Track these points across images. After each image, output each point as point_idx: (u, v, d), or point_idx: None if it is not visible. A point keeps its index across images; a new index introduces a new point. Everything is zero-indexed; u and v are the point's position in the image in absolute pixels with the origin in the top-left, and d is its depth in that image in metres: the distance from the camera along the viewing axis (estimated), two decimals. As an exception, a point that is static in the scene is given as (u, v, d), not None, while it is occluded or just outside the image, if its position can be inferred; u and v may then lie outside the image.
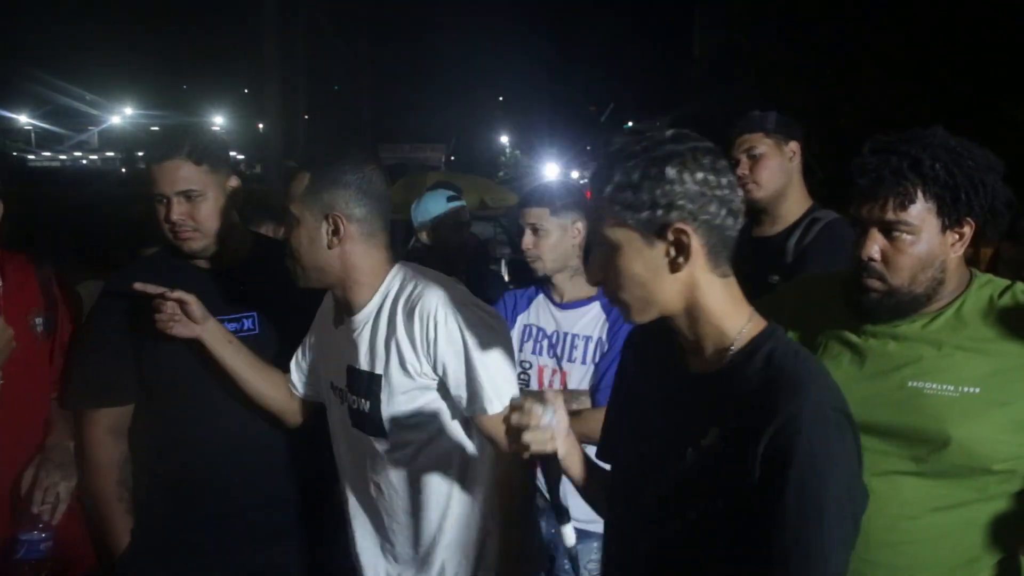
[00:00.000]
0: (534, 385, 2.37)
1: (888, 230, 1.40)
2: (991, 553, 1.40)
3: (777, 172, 2.19)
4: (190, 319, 1.76)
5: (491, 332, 1.64)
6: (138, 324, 1.85)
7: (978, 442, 1.33)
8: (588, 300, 2.29)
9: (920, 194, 1.37)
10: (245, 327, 1.94)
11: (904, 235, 1.38)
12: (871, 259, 1.41)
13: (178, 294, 1.74)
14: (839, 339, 1.51)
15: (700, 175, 1.13)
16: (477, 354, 1.61)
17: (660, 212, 1.12)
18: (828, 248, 2.08)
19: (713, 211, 1.13)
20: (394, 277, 1.71)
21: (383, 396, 1.66)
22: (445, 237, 3.12)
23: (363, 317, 1.69)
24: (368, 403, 1.68)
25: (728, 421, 1.12)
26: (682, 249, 1.14)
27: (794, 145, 2.22)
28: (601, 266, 1.19)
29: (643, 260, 1.15)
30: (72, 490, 1.73)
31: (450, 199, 3.14)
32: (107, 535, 1.90)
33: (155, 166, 1.85)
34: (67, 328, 1.98)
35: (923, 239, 1.38)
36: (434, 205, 3.14)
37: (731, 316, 1.19)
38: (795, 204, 2.24)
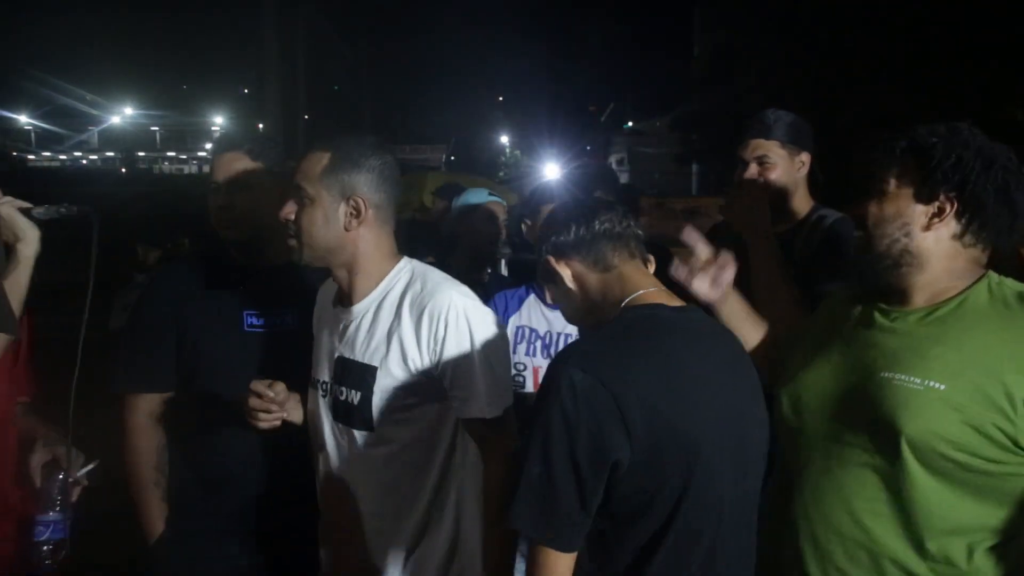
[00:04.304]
0: (530, 387, 2.35)
1: (873, 188, 1.49)
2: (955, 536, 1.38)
3: (784, 180, 2.19)
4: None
5: (497, 338, 1.63)
6: (181, 318, 1.93)
7: (929, 436, 1.33)
8: None
9: (908, 159, 1.44)
10: (286, 322, 1.97)
11: (879, 190, 1.47)
12: (859, 214, 1.50)
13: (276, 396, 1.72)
14: (840, 334, 1.52)
15: None
16: (482, 358, 1.59)
17: None
18: (837, 246, 2.10)
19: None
20: (401, 270, 1.69)
21: (376, 388, 1.63)
22: (476, 227, 3.13)
23: (363, 307, 1.68)
24: (359, 395, 1.65)
25: None
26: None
27: (805, 157, 2.21)
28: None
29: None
30: (80, 456, 1.76)
31: (490, 193, 3.22)
32: (142, 520, 1.95)
33: (216, 157, 1.99)
34: (26, 336, 1.99)
35: (892, 195, 1.45)
36: (474, 196, 3.18)
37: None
38: (800, 205, 2.25)
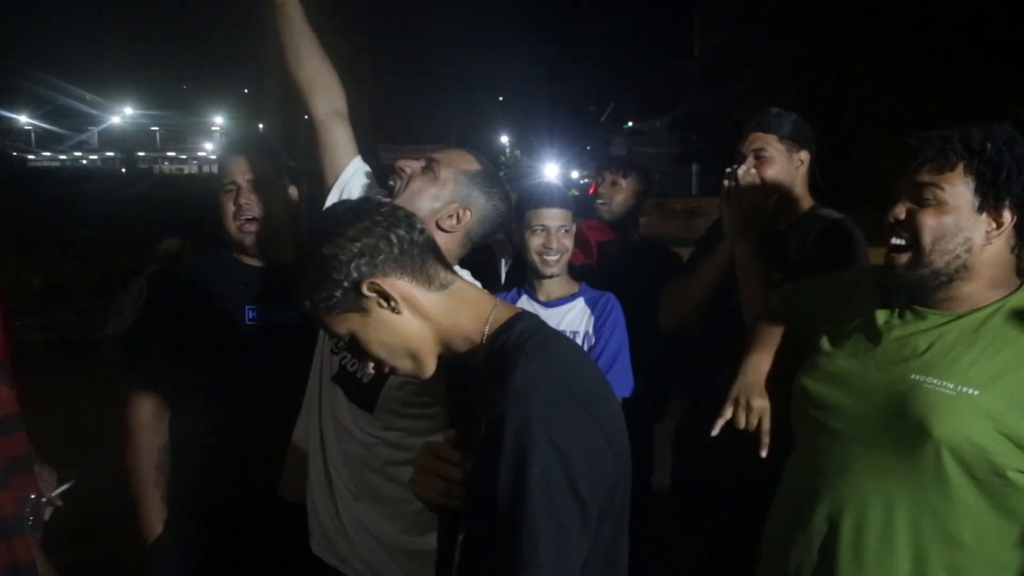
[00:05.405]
0: None
1: (920, 194, 1.39)
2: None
3: (781, 176, 2.18)
4: None
5: None
6: (183, 316, 1.96)
7: (960, 443, 1.30)
8: (572, 297, 2.29)
9: (961, 165, 1.35)
10: (288, 317, 2.01)
11: (933, 199, 1.37)
12: (897, 219, 1.40)
13: None
14: (868, 326, 1.48)
15: None
16: None
17: None
18: (834, 246, 2.09)
19: None
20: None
21: (392, 378, 1.59)
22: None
23: None
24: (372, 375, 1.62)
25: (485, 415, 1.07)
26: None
27: (804, 155, 2.20)
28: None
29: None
30: (54, 475, 1.74)
31: None
32: (141, 520, 1.96)
33: (230, 158, 2.06)
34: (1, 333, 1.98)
35: (951, 207, 1.36)
36: None
37: None
38: (798, 203, 2.24)
